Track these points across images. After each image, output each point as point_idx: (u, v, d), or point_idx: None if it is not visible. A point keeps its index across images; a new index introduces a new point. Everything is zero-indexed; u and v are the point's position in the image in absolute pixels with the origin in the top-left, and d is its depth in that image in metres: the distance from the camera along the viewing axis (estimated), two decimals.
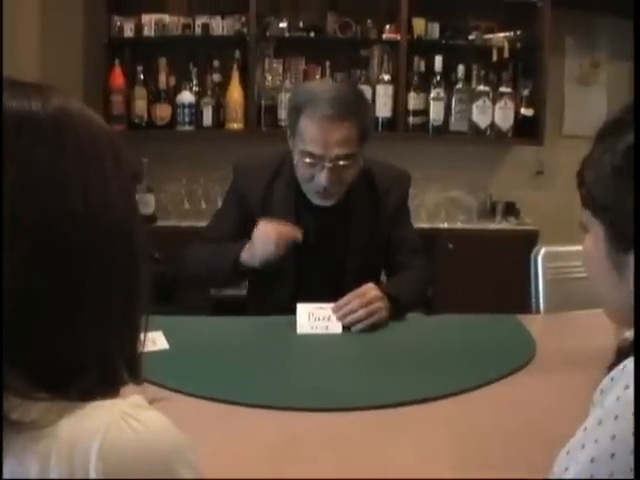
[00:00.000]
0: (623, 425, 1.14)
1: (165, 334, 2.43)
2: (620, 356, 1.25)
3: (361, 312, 2.59)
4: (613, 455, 1.14)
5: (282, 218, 2.85)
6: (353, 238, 2.92)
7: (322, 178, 2.74)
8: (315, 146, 2.72)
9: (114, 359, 1.04)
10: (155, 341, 2.38)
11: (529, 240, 4.69)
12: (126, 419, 0.96)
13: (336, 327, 2.60)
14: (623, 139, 1.26)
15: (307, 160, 2.74)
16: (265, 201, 2.91)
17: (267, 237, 2.63)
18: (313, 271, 2.85)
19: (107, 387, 1.02)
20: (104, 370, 1.02)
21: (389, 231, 2.97)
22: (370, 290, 2.65)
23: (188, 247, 2.94)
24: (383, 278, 3.07)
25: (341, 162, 2.73)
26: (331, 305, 2.63)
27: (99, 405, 0.98)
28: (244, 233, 2.89)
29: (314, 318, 2.61)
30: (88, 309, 1.01)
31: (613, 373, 1.22)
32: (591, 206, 1.33)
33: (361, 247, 2.92)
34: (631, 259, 1.26)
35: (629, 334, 1.29)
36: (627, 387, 1.17)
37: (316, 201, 2.84)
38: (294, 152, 2.82)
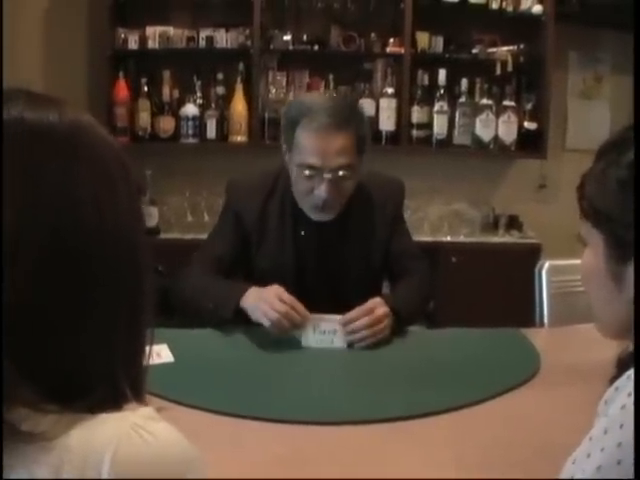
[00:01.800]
0: (628, 433, 1.14)
1: (170, 347, 2.43)
2: (621, 368, 1.26)
3: (365, 333, 2.58)
4: (619, 462, 1.14)
5: (278, 237, 2.87)
6: (351, 252, 2.91)
7: (322, 190, 2.71)
8: (314, 157, 2.69)
9: (119, 375, 1.04)
10: (160, 354, 2.39)
11: (532, 253, 4.70)
12: (138, 431, 0.96)
13: (341, 341, 2.60)
14: (626, 155, 1.29)
15: (306, 173, 2.71)
16: (261, 220, 2.89)
17: (273, 320, 2.56)
18: (313, 289, 2.82)
19: (111, 404, 1.02)
20: (109, 386, 1.02)
21: (388, 242, 2.96)
22: (378, 307, 2.63)
23: (188, 274, 2.88)
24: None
25: (340, 172, 2.71)
26: (336, 317, 2.61)
27: (110, 417, 0.98)
28: (242, 254, 2.91)
29: (319, 332, 2.60)
30: (95, 322, 1.01)
31: (617, 383, 1.23)
32: (592, 217, 1.35)
33: (360, 261, 2.92)
34: (631, 269, 1.28)
35: (631, 346, 1.30)
36: (630, 394, 1.17)
37: (314, 216, 2.82)
38: (291, 167, 2.78)
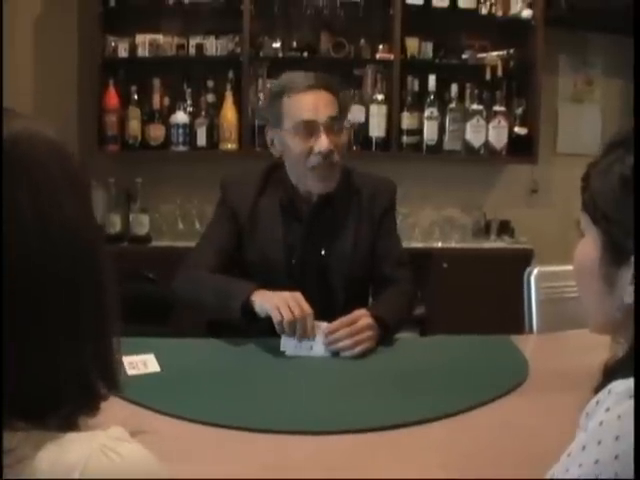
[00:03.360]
0: (606, 450, 1.14)
1: (157, 357, 2.42)
2: (607, 376, 1.25)
3: (347, 342, 2.57)
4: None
5: (270, 231, 2.90)
6: (340, 246, 2.93)
7: (322, 142, 2.78)
8: (307, 113, 2.81)
9: (91, 378, 1.04)
10: (147, 364, 2.38)
11: (524, 258, 4.69)
12: (105, 452, 0.96)
13: (320, 349, 2.57)
14: (633, 153, 1.26)
15: (302, 130, 2.81)
16: (253, 215, 2.93)
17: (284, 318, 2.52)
18: (302, 281, 2.84)
19: (87, 407, 1.01)
20: (83, 391, 1.01)
21: (375, 239, 2.98)
22: (362, 318, 2.62)
23: (187, 270, 2.87)
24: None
25: (333, 124, 2.83)
26: (318, 324, 2.61)
27: (78, 437, 0.97)
28: (236, 248, 2.92)
29: (300, 340, 2.57)
30: (60, 336, 1.00)
31: (598, 396, 1.21)
32: (591, 212, 1.33)
33: (347, 255, 2.93)
34: (622, 273, 1.26)
35: (620, 351, 1.29)
36: (608, 409, 1.17)
37: (315, 187, 2.86)
38: (284, 139, 2.86)
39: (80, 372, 1.02)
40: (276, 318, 2.51)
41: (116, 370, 1.10)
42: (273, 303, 2.53)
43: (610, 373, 1.25)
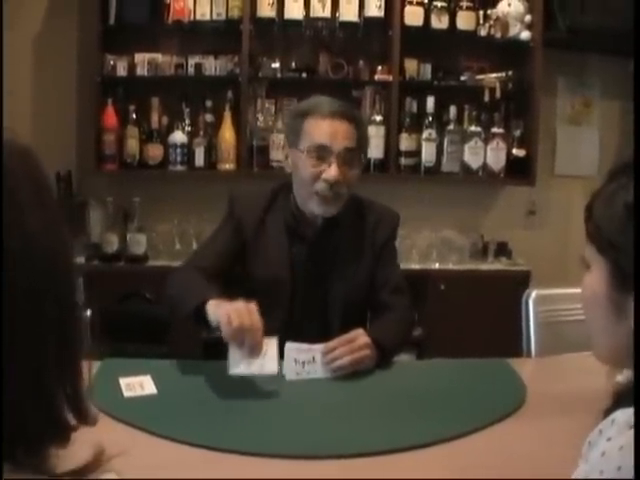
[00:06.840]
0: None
1: (154, 378, 2.41)
2: (617, 399, 1.24)
3: (346, 360, 2.57)
4: None
5: (275, 248, 2.92)
6: (340, 270, 2.95)
7: (332, 170, 2.80)
8: (324, 138, 2.82)
9: (59, 409, 0.99)
10: (143, 385, 2.37)
11: (521, 280, 4.70)
12: None
13: (321, 371, 2.58)
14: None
15: (315, 154, 2.82)
16: (259, 230, 2.95)
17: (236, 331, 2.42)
18: (302, 301, 2.89)
19: (57, 439, 0.98)
20: (50, 423, 0.98)
21: (375, 266, 2.99)
22: (359, 337, 2.63)
23: (179, 269, 2.92)
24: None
25: (348, 156, 2.83)
26: (316, 347, 2.60)
27: None
28: (238, 260, 2.94)
29: (299, 362, 2.57)
30: (21, 362, 0.95)
31: (601, 425, 1.20)
32: (597, 242, 1.32)
33: (348, 279, 2.95)
34: (630, 299, 1.25)
35: (621, 377, 1.28)
36: (610, 439, 1.16)
37: (318, 209, 2.87)
38: (297, 158, 2.87)
39: (46, 403, 0.98)
40: (224, 325, 2.40)
41: (85, 399, 1.05)
42: (225, 310, 2.44)
43: (622, 396, 1.24)
